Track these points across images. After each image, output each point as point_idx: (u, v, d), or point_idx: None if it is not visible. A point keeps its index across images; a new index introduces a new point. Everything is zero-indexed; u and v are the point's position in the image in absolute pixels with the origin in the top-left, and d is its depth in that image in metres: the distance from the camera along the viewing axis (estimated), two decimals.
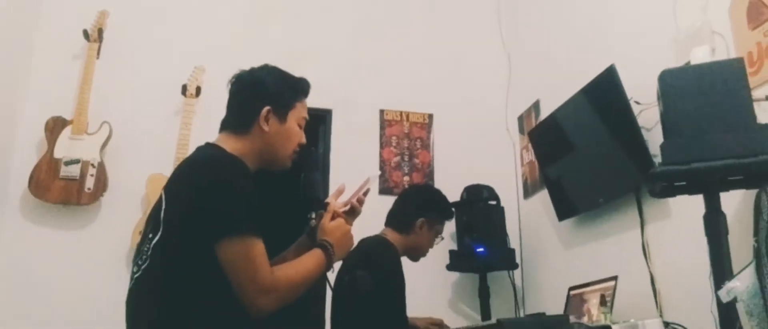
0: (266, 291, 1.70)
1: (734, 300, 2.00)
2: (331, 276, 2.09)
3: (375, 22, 4.63)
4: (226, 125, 2.00)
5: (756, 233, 2.13)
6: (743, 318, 2.02)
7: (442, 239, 3.33)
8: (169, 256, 1.72)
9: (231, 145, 1.92)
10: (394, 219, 3.19)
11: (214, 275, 1.67)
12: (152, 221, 1.83)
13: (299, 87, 2.07)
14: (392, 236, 3.11)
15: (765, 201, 2.12)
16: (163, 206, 1.79)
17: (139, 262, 1.79)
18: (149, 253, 1.76)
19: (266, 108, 1.95)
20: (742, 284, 2.01)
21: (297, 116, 2.03)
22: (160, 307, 1.70)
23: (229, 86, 2.05)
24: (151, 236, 1.79)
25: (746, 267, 2.06)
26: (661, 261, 2.96)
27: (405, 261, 3.12)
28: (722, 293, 1.96)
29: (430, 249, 3.27)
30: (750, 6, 2.53)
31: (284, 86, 2.03)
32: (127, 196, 3.77)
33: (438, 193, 3.45)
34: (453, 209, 3.52)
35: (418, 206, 3.19)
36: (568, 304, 3.16)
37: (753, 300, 2.02)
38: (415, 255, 3.20)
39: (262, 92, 1.98)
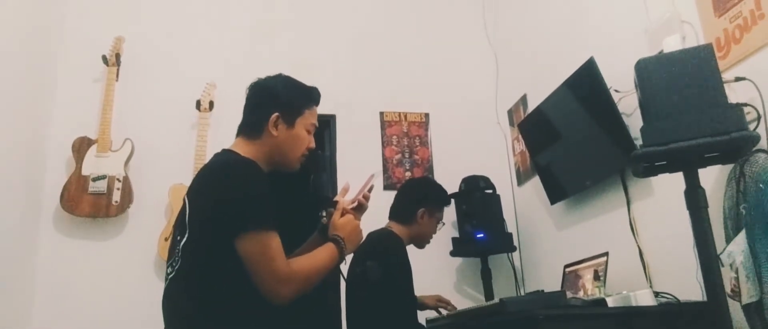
0: (283, 281, 1.71)
1: (731, 265, 2.01)
2: (344, 267, 2.10)
3: (371, 32, 4.63)
4: (241, 131, 2.02)
5: (745, 200, 2.13)
6: (743, 282, 2.03)
7: (444, 224, 3.34)
8: (197, 255, 1.74)
9: (244, 149, 1.94)
10: (396, 213, 3.19)
11: (238, 269, 1.69)
12: (179, 225, 1.85)
13: (309, 95, 2.08)
14: (397, 228, 3.12)
15: (751, 172, 2.12)
16: (187, 210, 1.82)
17: (173, 264, 1.81)
18: (180, 254, 1.78)
19: (275, 114, 1.96)
20: (737, 248, 2.03)
21: (305, 122, 2.04)
22: (194, 302, 1.72)
23: (247, 92, 2.07)
24: (179, 238, 1.81)
25: (740, 233, 2.08)
26: (647, 235, 2.96)
27: (411, 249, 3.13)
28: (724, 257, 1.98)
29: (434, 236, 3.28)
30: None
31: (294, 93, 2.04)
32: (151, 206, 3.77)
33: (434, 183, 3.45)
34: (450, 197, 3.52)
35: (417, 198, 3.20)
36: (564, 281, 3.16)
37: (747, 262, 2.03)
38: (421, 242, 3.21)
39: (272, 99, 2.00)
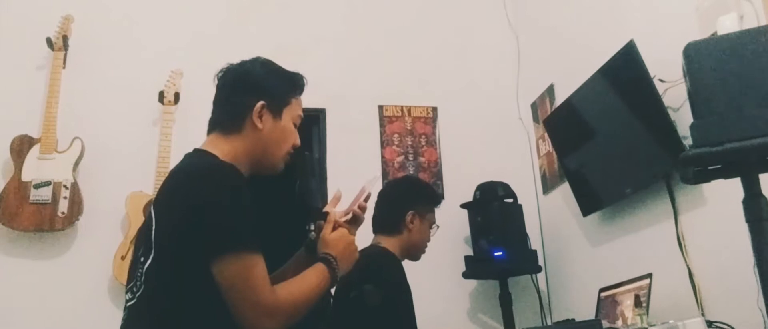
0: (267, 313, 1.69)
1: None
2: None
3: (368, 10, 4.64)
4: (215, 125, 1.99)
5: None
6: None
7: (438, 227, 3.30)
8: (165, 279, 1.72)
9: (222, 149, 1.92)
10: (381, 223, 3.17)
11: (214, 297, 1.67)
12: (143, 243, 1.83)
13: (294, 82, 2.07)
14: (387, 242, 3.11)
15: None
16: (154, 225, 1.79)
17: (134, 289, 1.79)
18: (143, 278, 1.76)
19: (260, 103, 1.95)
20: None
21: (292, 113, 2.03)
22: None
23: (217, 81, 2.05)
24: (142, 259, 1.78)
25: None
26: (699, 253, 2.97)
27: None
28: None
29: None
30: None
31: (279, 79, 2.03)
32: (105, 218, 3.77)
33: (417, 180, 3.45)
34: (440, 195, 3.49)
35: (402, 200, 3.18)
36: (599, 307, 3.17)
37: None
38: (415, 253, 3.19)
39: (254, 86, 1.98)
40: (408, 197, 3.20)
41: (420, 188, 3.33)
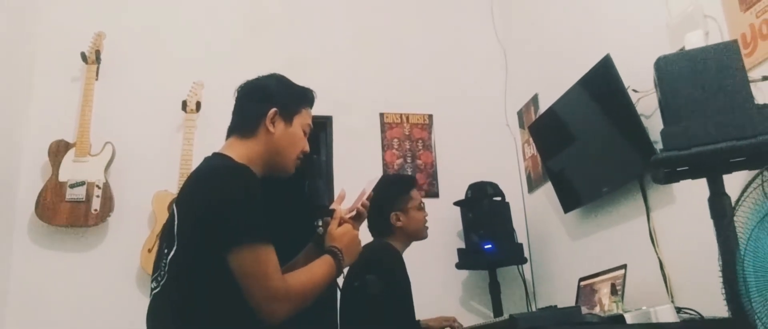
0: (278, 299, 1.70)
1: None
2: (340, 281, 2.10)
3: (370, 27, 4.64)
4: (233, 130, 2.02)
5: None
6: None
7: (423, 204, 3.25)
8: (186, 269, 1.73)
9: (237, 151, 1.93)
10: (375, 229, 3.15)
11: (230, 285, 1.68)
12: (166, 237, 1.85)
13: (305, 95, 2.10)
14: (388, 240, 3.11)
15: None
16: (176, 221, 1.81)
17: (159, 278, 1.81)
18: (166, 268, 1.78)
19: (273, 109, 1.98)
20: None
21: (302, 121, 2.06)
22: (180, 320, 1.72)
23: (236, 94, 2.08)
24: (166, 251, 1.80)
25: None
26: (669, 246, 2.96)
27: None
28: None
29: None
30: None
31: (290, 91, 2.07)
32: (133, 215, 3.78)
33: (386, 181, 3.36)
34: (413, 177, 3.42)
35: (381, 206, 3.13)
36: (579, 295, 3.16)
37: None
38: (418, 236, 3.16)
39: (268, 95, 2.02)
40: (384, 203, 3.11)
41: (391, 188, 3.20)
